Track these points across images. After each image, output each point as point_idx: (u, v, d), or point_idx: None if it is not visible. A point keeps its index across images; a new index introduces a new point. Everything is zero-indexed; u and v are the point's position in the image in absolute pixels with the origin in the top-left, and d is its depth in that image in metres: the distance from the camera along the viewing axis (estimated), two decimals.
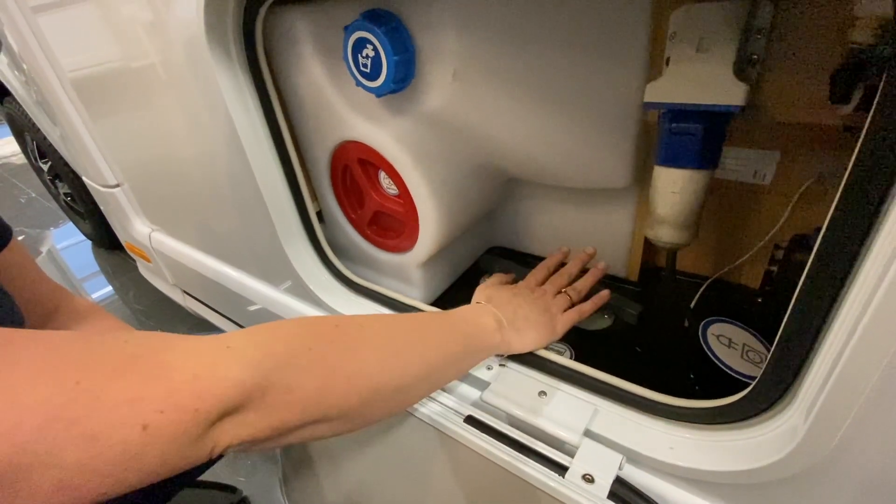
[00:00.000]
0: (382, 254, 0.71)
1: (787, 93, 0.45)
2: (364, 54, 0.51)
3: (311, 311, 0.73)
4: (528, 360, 0.53)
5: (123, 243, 1.23)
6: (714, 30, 0.41)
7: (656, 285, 0.69)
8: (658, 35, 0.49)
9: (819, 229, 0.53)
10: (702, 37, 0.42)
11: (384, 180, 0.64)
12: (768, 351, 0.54)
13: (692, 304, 0.63)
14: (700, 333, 0.56)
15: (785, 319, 0.34)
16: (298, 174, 0.66)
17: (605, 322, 0.65)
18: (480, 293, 0.59)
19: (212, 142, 0.66)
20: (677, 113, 0.45)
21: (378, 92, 0.52)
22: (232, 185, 0.70)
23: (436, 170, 0.58)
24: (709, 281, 0.66)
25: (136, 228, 1.09)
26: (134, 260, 1.28)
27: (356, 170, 0.64)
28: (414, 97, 0.54)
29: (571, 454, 0.44)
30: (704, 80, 0.42)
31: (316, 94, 0.60)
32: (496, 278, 0.66)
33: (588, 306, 0.58)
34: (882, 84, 0.25)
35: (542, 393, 0.51)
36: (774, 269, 0.63)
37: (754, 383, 0.38)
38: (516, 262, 0.76)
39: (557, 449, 0.46)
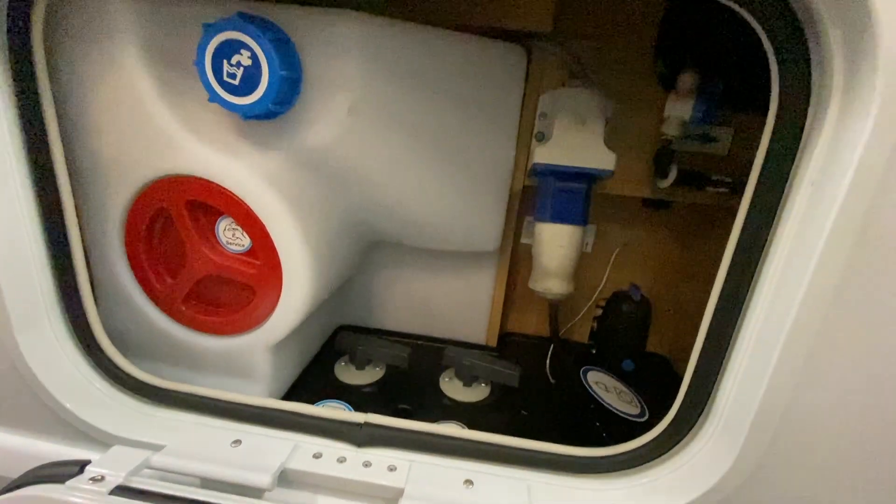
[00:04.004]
0: (205, 339, 0.51)
1: (621, 170, 0.57)
2: (233, 61, 0.39)
3: (68, 451, 0.43)
4: (447, 444, 0.43)
5: None
6: (587, 109, 0.49)
7: (517, 348, 0.71)
8: (525, 113, 0.56)
9: (634, 285, 0.67)
10: (578, 113, 0.49)
11: (225, 232, 0.47)
12: (630, 390, 0.61)
13: (573, 361, 0.66)
14: (585, 384, 0.58)
15: (700, 349, 0.39)
16: (70, 224, 0.43)
17: (483, 391, 0.61)
18: None
19: None
20: (564, 174, 0.50)
21: (247, 112, 0.40)
22: None
23: (311, 220, 0.47)
24: (558, 337, 0.72)
25: None
26: None
27: (181, 218, 0.46)
28: (291, 128, 0.44)
29: None
30: (583, 147, 0.49)
31: (128, 107, 0.42)
32: None
33: None
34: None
35: (469, 482, 0.42)
36: (595, 324, 0.75)
37: (676, 409, 0.41)
38: (373, 339, 0.66)
39: None
